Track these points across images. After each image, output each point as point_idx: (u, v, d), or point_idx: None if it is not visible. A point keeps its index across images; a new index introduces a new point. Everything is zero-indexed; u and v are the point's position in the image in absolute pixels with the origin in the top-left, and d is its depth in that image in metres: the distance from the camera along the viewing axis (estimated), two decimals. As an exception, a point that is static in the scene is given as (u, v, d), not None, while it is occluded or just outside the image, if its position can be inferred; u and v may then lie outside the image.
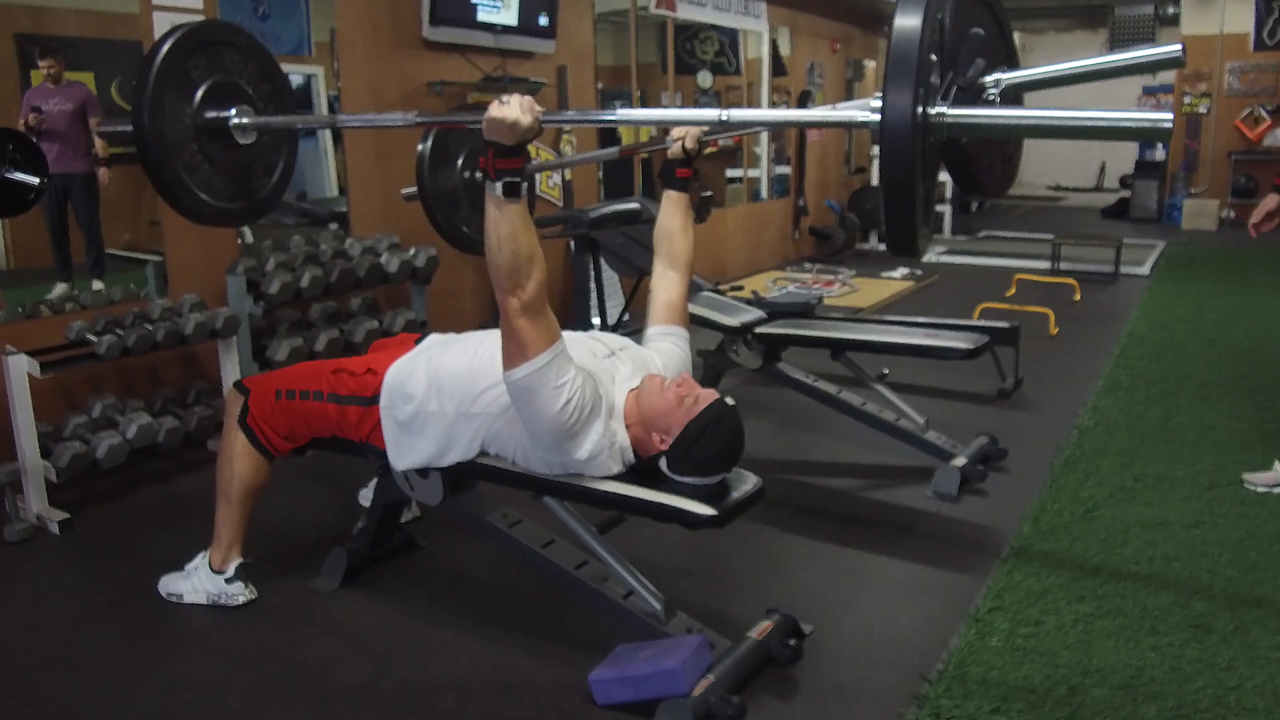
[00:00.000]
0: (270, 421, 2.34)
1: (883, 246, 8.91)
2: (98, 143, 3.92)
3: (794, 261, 8.13)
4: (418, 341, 2.37)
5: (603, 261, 5.04)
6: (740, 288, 4.97)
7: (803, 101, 8.10)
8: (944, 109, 1.61)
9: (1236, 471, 3.22)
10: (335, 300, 3.82)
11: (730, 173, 9.04)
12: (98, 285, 4.12)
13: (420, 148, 2.82)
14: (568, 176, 5.43)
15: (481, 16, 4.63)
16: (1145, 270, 7.52)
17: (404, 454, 2.18)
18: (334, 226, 4.57)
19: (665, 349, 2.23)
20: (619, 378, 2.08)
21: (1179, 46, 2.07)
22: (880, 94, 1.51)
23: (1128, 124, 1.55)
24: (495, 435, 2.07)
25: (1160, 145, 11.59)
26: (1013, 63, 2.28)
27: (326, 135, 5.39)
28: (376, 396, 2.20)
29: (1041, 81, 2.24)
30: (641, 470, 2.04)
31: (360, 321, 3.76)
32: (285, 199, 5.71)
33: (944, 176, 3.25)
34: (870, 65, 10.01)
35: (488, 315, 4.85)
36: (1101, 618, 2.33)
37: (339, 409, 2.26)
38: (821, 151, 8.76)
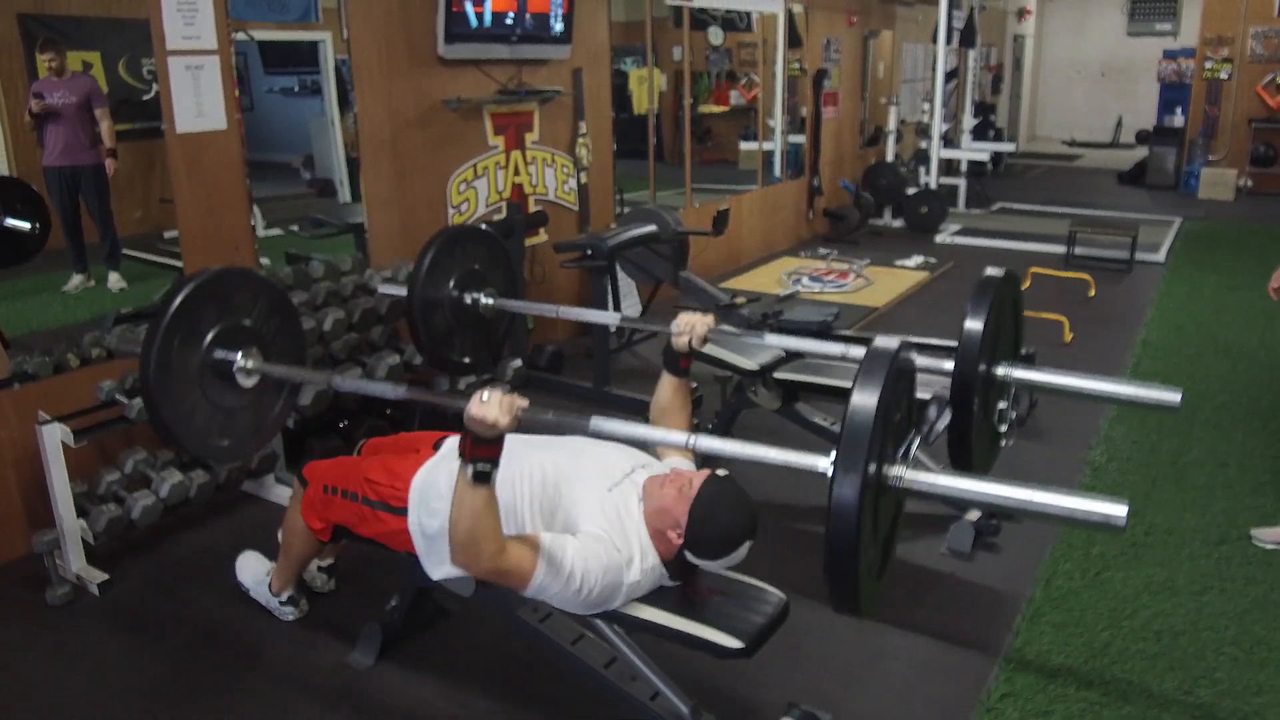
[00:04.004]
0: (317, 511, 2.47)
1: (897, 224, 8.89)
2: (105, 133, 3.95)
3: (808, 243, 8.10)
4: (436, 445, 2.42)
5: (619, 270, 5.07)
6: (758, 297, 4.99)
7: (818, 80, 7.97)
8: (902, 472, 1.69)
9: (1246, 521, 3.29)
10: (357, 333, 3.85)
11: (745, 146, 8.98)
12: (114, 277, 4.19)
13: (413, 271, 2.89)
14: (584, 180, 5.41)
15: (497, 30, 4.57)
16: (1161, 256, 7.49)
17: (436, 564, 2.24)
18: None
19: (679, 464, 2.29)
20: (633, 502, 2.12)
21: (1178, 397, 2.32)
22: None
23: (1081, 514, 1.62)
24: None
25: (1180, 110, 11.45)
26: (1019, 356, 2.46)
27: (333, 103, 5.39)
28: (405, 509, 2.26)
29: (1051, 386, 2.40)
30: (679, 574, 2.12)
31: (383, 356, 3.79)
32: (294, 166, 5.78)
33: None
34: (886, 34, 9.83)
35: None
36: (1109, 706, 2.41)
37: (374, 513, 2.33)
38: (837, 127, 8.66)
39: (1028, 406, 4.28)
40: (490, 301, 2.93)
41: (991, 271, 2.28)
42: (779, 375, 3.53)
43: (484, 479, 1.83)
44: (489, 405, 1.75)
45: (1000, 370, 2.29)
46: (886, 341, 1.68)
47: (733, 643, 1.98)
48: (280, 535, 2.72)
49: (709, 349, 3.59)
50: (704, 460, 2.26)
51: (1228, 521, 3.31)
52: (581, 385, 4.57)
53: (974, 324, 2.16)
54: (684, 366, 2.36)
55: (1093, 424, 4.17)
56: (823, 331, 4.23)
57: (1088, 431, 4.09)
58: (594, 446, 2.28)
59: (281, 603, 2.76)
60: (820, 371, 3.56)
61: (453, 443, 2.42)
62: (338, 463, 2.58)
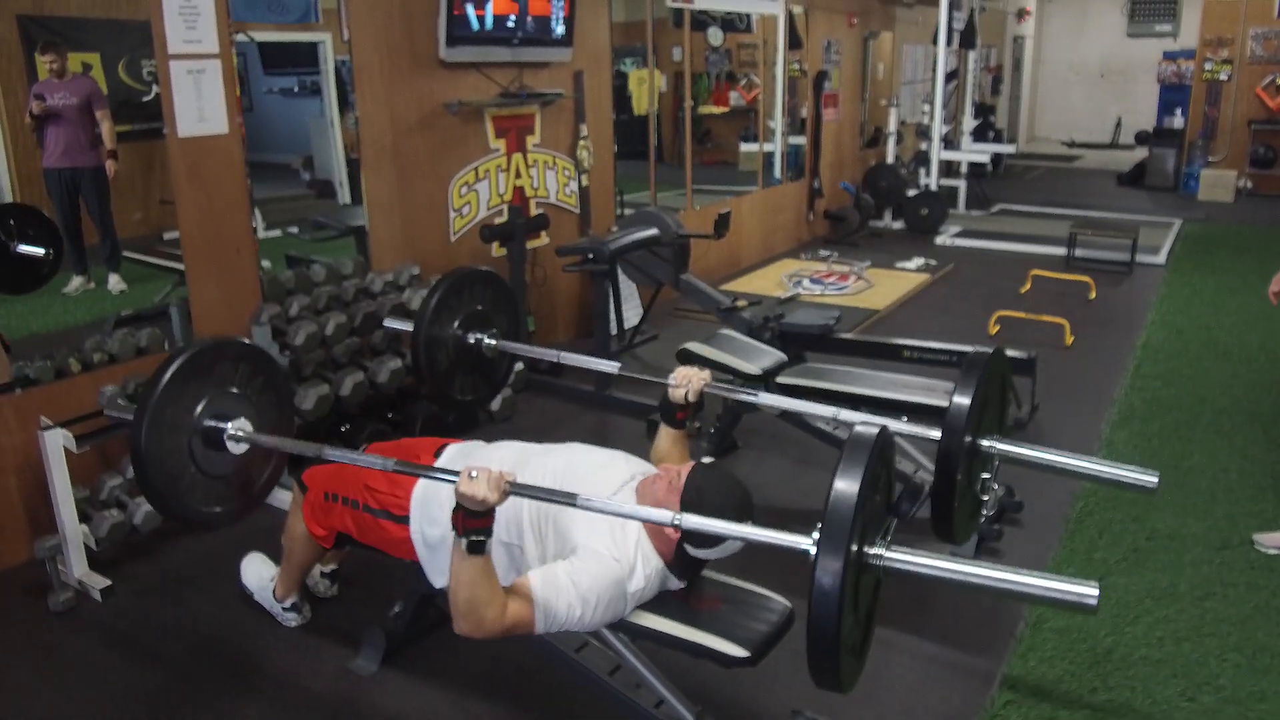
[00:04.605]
0: (318, 518, 2.47)
1: (897, 226, 8.89)
2: (105, 134, 3.95)
3: (808, 245, 8.10)
4: (437, 452, 2.42)
5: (621, 272, 5.06)
6: (759, 300, 5.00)
7: (819, 82, 7.97)
8: (882, 550, 1.75)
9: (1248, 526, 3.29)
10: (359, 338, 3.86)
11: (745, 147, 8.98)
12: (114, 279, 4.19)
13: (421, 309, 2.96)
14: (585, 182, 5.41)
15: (498, 33, 4.57)
16: (1161, 259, 7.49)
17: (438, 574, 2.25)
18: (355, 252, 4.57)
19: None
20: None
21: (1155, 480, 2.30)
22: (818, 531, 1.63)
23: (1055, 595, 1.74)
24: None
25: (1179, 111, 11.45)
26: (1003, 429, 2.56)
27: (333, 104, 5.39)
28: (406, 517, 2.26)
29: (1034, 461, 2.48)
30: (684, 573, 2.13)
31: (385, 360, 3.79)
32: (294, 167, 5.79)
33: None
34: (886, 36, 9.83)
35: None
36: (1112, 713, 2.41)
37: (374, 521, 2.33)
38: (837, 129, 8.66)
39: (1029, 412, 4.28)
40: (493, 342, 3.02)
41: (979, 349, 2.40)
42: (781, 380, 3.53)
43: (479, 549, 1.83)
44: (477, 483, 1.77)
45: (985, 443, 2.36)
46: (867, 430, 1.74)
47: (739, 651, 1.98)
48: (284, 540, 2.71)
49: (711, 353, 3.61)
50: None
51: (1229, 527, 3.31)
52: (583, 389, 4.57)
53: (962, 399, 2.25)
54: (680, 419, 2.39)
55: (1094, 429, 4.17)
56: (824, 335, 4.25)
57: (1089, 437, 4.09)
58: (593, 454, 2.29)
59: (285, 609, 2.76)
60: (823, 377, 3.56)
61: (454, 450, 2.43)
62: (338, 468, 2.56)
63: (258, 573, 2.83)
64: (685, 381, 2.34)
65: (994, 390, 2.42)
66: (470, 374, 3.05)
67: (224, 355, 2.35)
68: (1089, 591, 1.66)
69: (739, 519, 2.00)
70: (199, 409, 2.27)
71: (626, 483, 2.18)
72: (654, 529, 2.07)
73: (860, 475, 1.62)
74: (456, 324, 2.96)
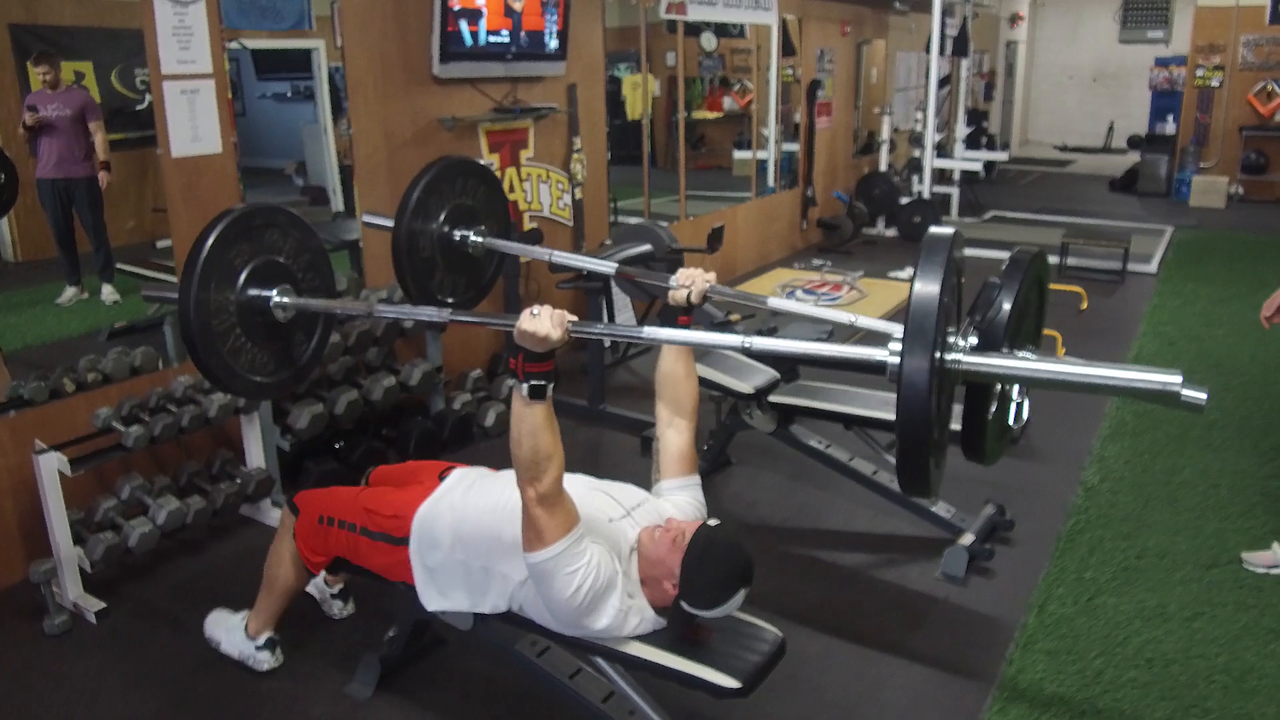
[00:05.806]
0: (311, 543, 2.47)
1: (890, 233, 8.92)
2: (98, 146, 3.95)
3: (801, 254, 8.13)
4: (441, 476, 2.43)
5: (614, 287, 5.07)
6: (752, 314, 5.01)
7: (812, 91, 7.99)
8: (960, 357, 1.65)
9: (1237, 543, 3.31)
10: (353, 357, 3.87)
11: (739, 155, 9.01)
12: (108, 290, 4.20)
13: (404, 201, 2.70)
14: (578, 195, 5.42)
15: (492, 48, 4.58)
16: (1153, 267, 7.52)
17: (434, 598, 2.26)
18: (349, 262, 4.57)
19: (681, 502, 2.25)
20: (631, 539, 2.13)
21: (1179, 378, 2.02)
22: (900, 337, 1.56)
23: (1138, 385, 1.59)
24: (522, 602, 2.14)
25: (1171, 118, 11.51)
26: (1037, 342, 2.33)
27: (326, 114, 5.39)
28: (406, 539, 2.27)
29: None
30: (676, 623, 2.11)
31: (379, 378, 3.80)
32: (286, 173, 5.75)
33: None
34: (879, 43, 9.86)
35: (500, 346, 4.90)
36: (1102, 737, 2.44)
37: (370, 544, 2.34)
38: (830, 137, 8.68)
39: (1021, 427, 4.30)
40: (479, 240, 2.79)
41: (1022, 249, 2.12)
42: (774, 399, 3.54)
43: (540, 394, 1.82)
44: (539, 320, 1.76)
45: (1021, 354, 2.19)
46: (942, 230, 1.67)
47: (730, 683, 1.99)
48: (266, 565, 2.61)
49: (704, 370, 3.62)
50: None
51: (1219, 544, 3.33)
52: (577, 404, 4.57)
53: (1003, 300, 1.99)
54: (683, 323, 2.23)
55: (1085, 443, 4.19)
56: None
57: (1081, 451, 4.11)
58: (595, 484, 2.30)
59: (258, 647, 2.65)
60: (815, 395, 3.57)
61: (459, 475, 2.43)
62: (331, 492, 2.57)
63: (224, 621, 2.75)
64: (689, 281, 2.18)
65: (1033, 298, 2.27)
66: (453, 272, 2.81)
67: (274, 222, 2.22)
68: (1173, 379, 1.55)
69: (737, 585, 2.01)
70: (246, 271, 2.13)
71: (630, 511, 2.19)
72: (652, 578, 2.07)
73: (940, 274, 1.55)
74: (442, 217, 2.71)
